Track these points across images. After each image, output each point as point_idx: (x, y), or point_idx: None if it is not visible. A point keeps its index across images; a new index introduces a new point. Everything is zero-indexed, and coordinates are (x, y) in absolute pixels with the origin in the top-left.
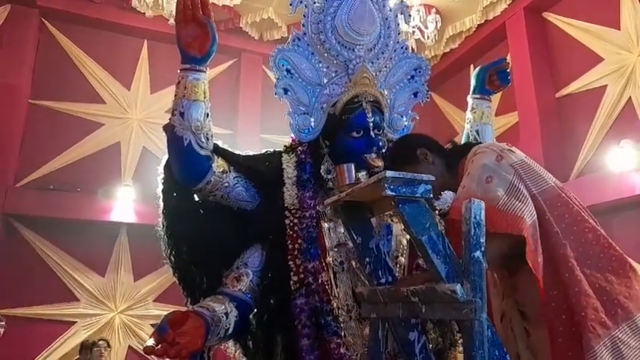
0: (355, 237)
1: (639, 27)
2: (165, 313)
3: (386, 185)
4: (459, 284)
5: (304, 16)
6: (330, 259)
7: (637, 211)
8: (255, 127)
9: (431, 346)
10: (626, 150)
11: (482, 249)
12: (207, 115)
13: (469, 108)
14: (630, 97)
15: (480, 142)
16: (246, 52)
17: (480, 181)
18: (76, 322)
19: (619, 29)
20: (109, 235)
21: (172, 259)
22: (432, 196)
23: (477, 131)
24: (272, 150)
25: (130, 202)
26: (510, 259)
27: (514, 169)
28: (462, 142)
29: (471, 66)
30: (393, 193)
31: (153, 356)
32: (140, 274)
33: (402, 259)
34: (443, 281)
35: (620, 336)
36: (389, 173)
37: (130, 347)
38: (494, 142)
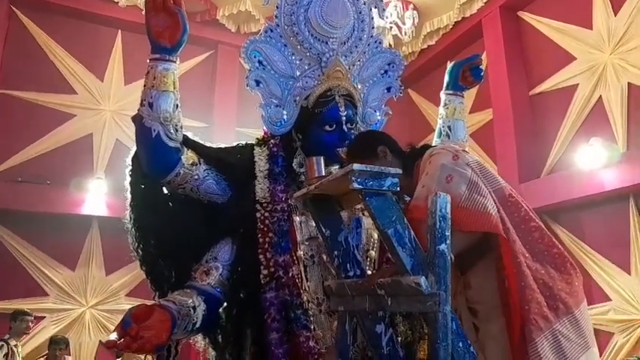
0: (324, 230)
1: (611, 27)
2: (145, 303)
3: (353, 178)
4: (423, 277)
5: (277, 7)
6: (301, 252)
7: (605, 207)
8: (231, 120)
9: (400, 339)
10: (595, 148)
11: (448, 242)
12: (177, 106)
13: (442, 104)
14: (600, 96)
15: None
16: (223, 45)
17: (439, 180)
18: (45, 317)
19: (591, 29)
20: (80, 229)
21: (140, 252)
22: (398, 189)
23: (450, 127)
24: (244, 143)
25: (102, 195)
26: (463, 257)
27: (471, 167)
28: (435, 137)
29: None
30: (360, 186)
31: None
32: (112, 268)
33: (373, 253)
34: (408, 274)
35: (560, 329)
36: (356, 166)
37: (100, 342)
38: (448, 143)
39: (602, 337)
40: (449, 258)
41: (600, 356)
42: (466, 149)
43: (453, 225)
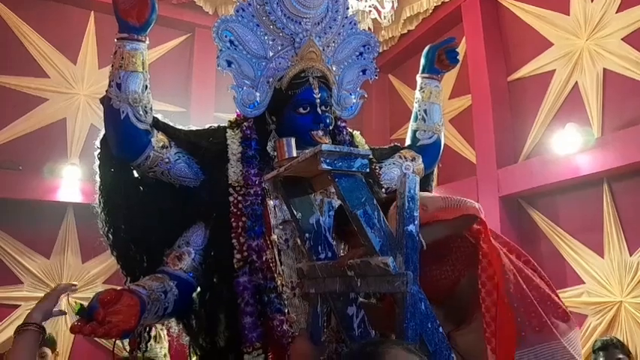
0: (295, 212)
1: (587, 13)
2: (114, 288)
3: (322, 159)
4: (391, 257)
5: None
6: (275, 236)
7: (579, 191)
8: (209, 104)
9: None
10: (571, 133)
11: (416, 222)
12: (146, 87)
13: (418, 87)
14: (577, 82)
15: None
16: (200, 28)
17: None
18: (19, 305)
19: (568, 15)
20: (54, 216)
21: (110, 237)
22: (368, 170)
23: (425, 110)
24: (216, 125)
25: (76, 181)
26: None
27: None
28: (411, 121)
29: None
30: (329, 167)
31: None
32: (88, 255)
33: None
34: (377, 254)
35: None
36: (325, 147)
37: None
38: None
39: (576, 319)
40: (417, 239)
41: None
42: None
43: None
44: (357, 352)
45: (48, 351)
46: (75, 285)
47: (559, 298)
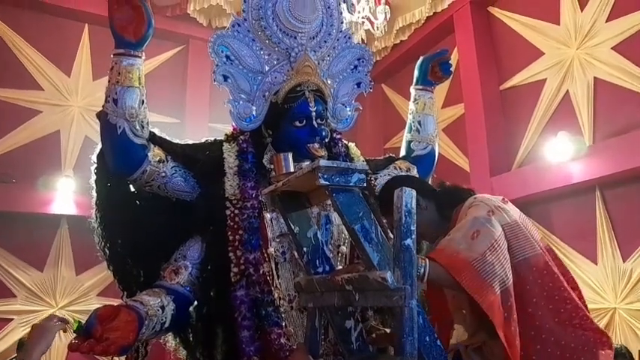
0: (293, 227)
1: (577, 22)
2: (111, 304)
3: (320, 174)
4: (389, 271)
5: (244, 0)
6: (272, 249)
7: (572, 199)
8: (204, 115)
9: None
10: (563, 142)
11: (413, 237)
12: (143, 102)
13: (412, 99)
14: (568, 91)
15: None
16: (194, 39)
17: (466, 234)
18: (13, 319)
19: (559, 24)
20: (48, 229)
21: (107, 251)
22: (365, 185)
23: (420, 122)
24: (212, 139)
25: (70, 193)
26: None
27: (502, 229)
28: (405, 132)
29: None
30: (327, 183)
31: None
32: (82, 267)
33: (344, 248)
34: (375, 269)
35: None
36: (322, 162)
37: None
38: (489, 196)
39: None
40: (414, 253)
41: None
42: (507, 204)
43: (452, 272)
44: None
45: None
46: (68, 322)
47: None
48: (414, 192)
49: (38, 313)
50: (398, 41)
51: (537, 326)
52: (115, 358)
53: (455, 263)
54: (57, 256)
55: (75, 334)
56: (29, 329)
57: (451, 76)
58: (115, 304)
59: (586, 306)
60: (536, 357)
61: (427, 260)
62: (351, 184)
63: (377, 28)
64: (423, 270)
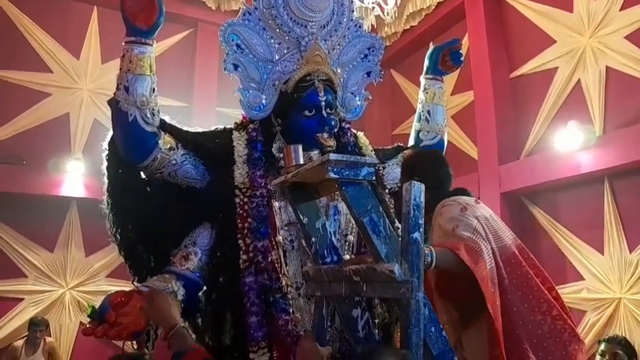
0: (302, 217)
1: (591, 10)
2: (118, 289)
3: (329, 168)
4: (397, 264)
5: None
6: (281, 237)
7: (581, 189)
8: (212, 99)
9: (378, 321)
10: (573, 131)
11: (421, 230)
12: (154, 90)
13: (421, 88)
14: (579, 80)
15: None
16: (203, 23)
17: (446, 232)
18: (23, 298)
19: (572, 12)
20: (58, 210)
21: (118, 237)
22: (374, 178)
23: (429, 112)
24: (222, 127)
25: (80, 176)
26: (461, 315)
27: (477, 219)
28: (414, 121)
29: (431, 44)
30: (336, 176)
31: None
32: (92, 249)
33: (352, 238)
34: (382, 261)
35: None
36: (332, 156)
37: (81, 323)
38: (461, 196)
39: (576, 315)
40: (422, 246)
41: None
42: (478, 202)
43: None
44: (351, 358)
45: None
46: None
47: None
48: (422, 186)
49: (49, 293)
50: (408, 27)
51: (509, 311)
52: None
53: (451, 247)
54: (67, 237)
55: (89, 319)
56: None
57: (461, 65)
58: (124, 286)
59: (563, 306)
60: (506, 337)
61: (431, 247)
62: (360, 178)
63: (387, 13)
64: (430, 258)
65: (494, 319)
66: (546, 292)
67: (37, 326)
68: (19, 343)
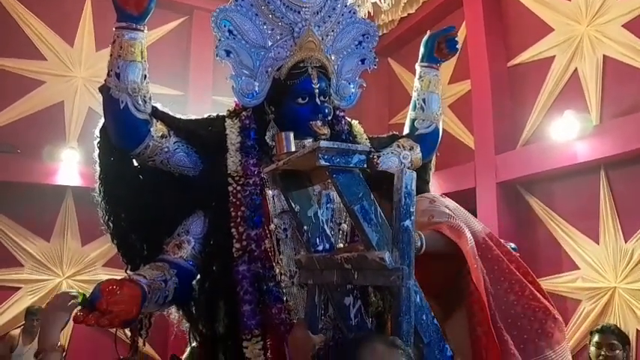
0: (294, 205)
1: None
2: (114, 277)
3: (320, 155)
4: (387, 252)
5: None
6: (274, 226)
7: (577, 178)
8: (207, 88)
9: (371, 309)
10: (569, 120)
11: (412, 218)
12: (145, 76)
13: (417, 76)
14: (576, 69)
15: None
16: (198, 10)
17: (424, 224)
18: (20, 287)
19: (570, 0)
20: (53, 199)
21: (110, 225)
22: (365, 166)
23: (424, 100)
24: (214, 114)
25: (75, 164)
26: (442, 305)
27: (449, 209)
28: (410, 110)
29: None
30: (327, 163)
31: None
32: (88, 238)
33: (345, 226)
34: (373, 249)
35: None
36: (323, 143)
37: (77, 312)
38: (425, 193)
39: (571, 305)
40: (413, 234)
41: (568, 323)
42: (444, 195)
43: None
44: (341, 345)
45: None
46: (76, 296)
47: (553, 305)
48: (414, 174)
49: (45, 282)
50: (405, 14)
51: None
52: (119, 330)
53: (435, 229)
54: (63, 226)
55: (80, 307)
56: (44, 306)
57: (457, 53)
58: (120, 276)
59: (540, 289)
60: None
61: (419, 232)
62: (351, 165)
63: (384, 0)
64: (420, 243)
65: (480, 291)
66: (518, 273)
67: (34, 315)
68: (16, 332)
